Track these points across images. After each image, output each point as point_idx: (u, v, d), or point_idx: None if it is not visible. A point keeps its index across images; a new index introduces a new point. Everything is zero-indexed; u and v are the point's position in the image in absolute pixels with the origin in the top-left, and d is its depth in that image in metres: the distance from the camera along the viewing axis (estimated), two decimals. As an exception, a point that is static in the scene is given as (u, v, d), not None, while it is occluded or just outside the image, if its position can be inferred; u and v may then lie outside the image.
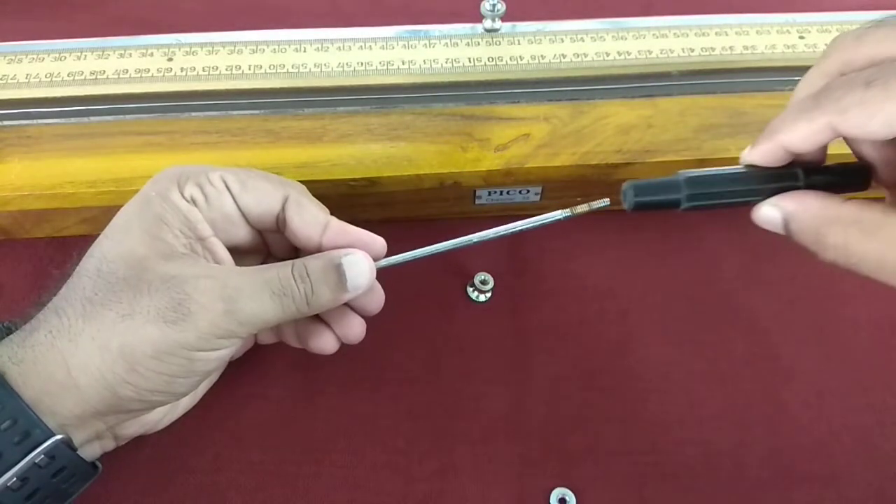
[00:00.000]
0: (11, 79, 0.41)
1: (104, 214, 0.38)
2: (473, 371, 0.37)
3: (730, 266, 0.41)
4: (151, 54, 0.42)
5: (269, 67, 0.42)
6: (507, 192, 0.40)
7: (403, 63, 0.42)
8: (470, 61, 0.43)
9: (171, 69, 0.41)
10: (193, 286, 0.27)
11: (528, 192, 0.40)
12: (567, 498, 0.33)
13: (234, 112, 0.40)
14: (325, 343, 0.33)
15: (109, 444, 0.31)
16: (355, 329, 0.33)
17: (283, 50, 0.42)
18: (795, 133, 0.26)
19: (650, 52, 0.43)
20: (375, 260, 0.31)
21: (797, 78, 0.29)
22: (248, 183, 0.31)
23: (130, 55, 0.42)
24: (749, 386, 0.37)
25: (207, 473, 0.34)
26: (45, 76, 0.41)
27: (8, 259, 0.40)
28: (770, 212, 0.27)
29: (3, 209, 0.37)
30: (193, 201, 0.30)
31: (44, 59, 0.41)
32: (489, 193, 0.40)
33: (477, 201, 0.41)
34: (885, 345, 0.38)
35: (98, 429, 0.29)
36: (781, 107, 0.28)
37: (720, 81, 0.42)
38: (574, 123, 0.40)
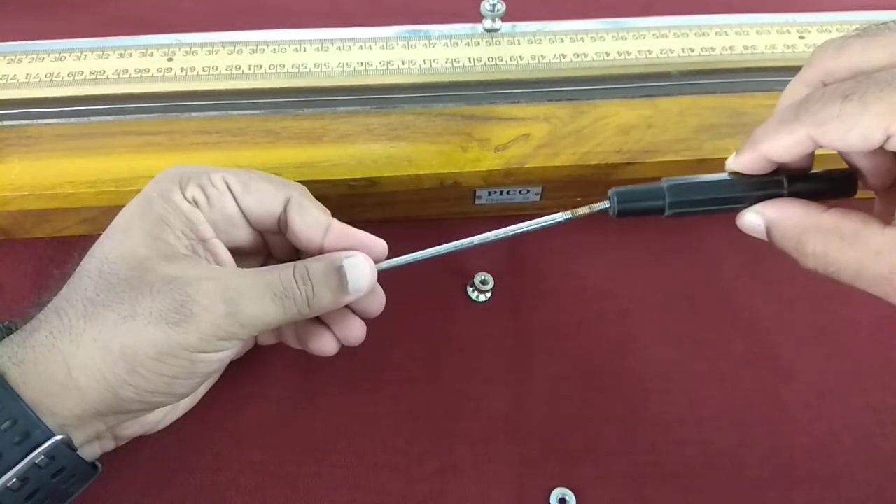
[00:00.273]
0: (11, 79, 0.41)
1: (104, 214, 0.38)
2: (473, 371, 0.37)
3: (730, 266, 0.41)
4: (151, 54, 0.42)
5: (269, 67, 0.42)
6: (507, 192, 0.40)
7: (403, 63, 0.42)
8: (470, 61, 0.43)
9: (171, 69, 0.41)
10: (195, 288, 0.27)
11: (528, 192, 0.40)
12: (567, 498, 0.33)
13: (234, 112, 0.40)
14: (325, 345, 0.33)
15: (109, 445, 0.31)
16: (355, 331, 0.33)
17: (283, 50, 0.42)
18: (776, 144, 0.27)
19: (650, 52, 0.43)
20: (376, 262, 0.31)
21: (797, 78, 0.29)
22: (250, 184, 0.31)
23: (130, 55, 0.42)
24: (749, 386, 0.37)
25: (207, 473, 0.34)
26: (45, 76, 0.41)
27: (8, 259, 0.40)
28: (753, 219, 0.28)
29: (3, 209, 0.37)
30: (195, 202, 0.30)
31: (44, 59, 0.41)
32: (489, 193, 0.40)
33: (477, 201, 0.41)
34: (885, 345, 0.38)
35: (98, 429, 0.29)
36: (781, 107, 0.28)
37: (720, 81, 0.42)
38: (574, 123, 0.40)
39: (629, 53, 0.43)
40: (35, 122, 0.39)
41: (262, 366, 0.36)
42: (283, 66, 0.42)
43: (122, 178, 0.37)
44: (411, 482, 0.34)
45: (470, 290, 0.40)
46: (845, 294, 0.40)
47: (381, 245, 0.31)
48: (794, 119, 0.26)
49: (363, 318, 0.33)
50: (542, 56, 0.43)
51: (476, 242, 0.31)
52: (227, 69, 0.42)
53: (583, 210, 0.30)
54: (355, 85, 0.41)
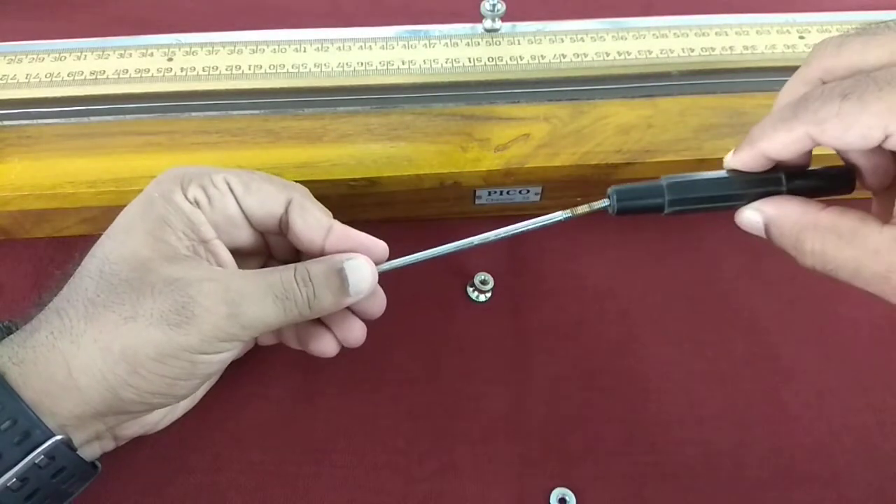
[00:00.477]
0: (11, 79, 0.41)
1: (104, 214, 0.38)
2: (473, 371, 0.37)
3: (730, 266, 0.41)
4: (151, 54, 0.42)
5: (269, 67, 0.42)
6: (507, 192, 0.40)
7: (403, 63, 0.42)
8: (470, 61, 0.43)
9: (171, 69, 0.41)
10: (197, 289, 0.27)
11: (528, 192, 0.40)
12: (567, 498, 0.33)
13: (234, 112, 0.40)
14: (325, 346, 0.33)
15: (109, 445, 0.31)
16: (356, 332, 0.33)
17: (283, 50, 0.42)
18: (775, 142, 0.27)
19: (650, 52, 0.43)
20: (377, 264, 0.31)
21: (797, 78, 0.29)
22: (252, 185, 0.31)
23: (130, 55, 0.42)
24: (749, 386, 0.37)
25: (207, 473, 0.34)
26: (45, 76, 0.41)
27: (8, 259, 0.40)
28: (752, 216, 0.28)
29: (3, 209, 0.37)
30: (197, 203, 0.30)
31: (44, 59, 0.41)
32: (489, 193, 0.40)
33: (477, 201, 0.41)
34: (885, 345, 0.38)
35: (98, 429, 0.29)
36: (781, 107, 0.28)
37: (720, 81, 0.42)
38: (574, 123, 0.40)
39: (629, 53, 0.43)
40: (35, 122, 0.39)
41: (262, 366, 0.36)
42: (283, 66, 0.42)
43: (122, 178, 0.37)
44: (411, 482, 0.34)
45: (470, 290, 0.40)
46: (845, 294, 0.40)
47: (381, 247, 0.31)
48: (793, 117, 0.26)
49: (364, 320, 0.33)
50: (542, 56, 0.43)
51: (476, 242, 0.31)
52: (227, 69, 0.42)
53: (582, 209, 0.30)
54: (355, 85, 0.41)
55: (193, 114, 0.40)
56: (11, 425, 0.26)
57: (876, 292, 0.25)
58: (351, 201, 0.38)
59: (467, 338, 0.38)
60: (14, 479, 0.26)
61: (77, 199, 0.37)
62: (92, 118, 0.40)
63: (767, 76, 0.42)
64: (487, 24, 0.44)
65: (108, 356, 0.27)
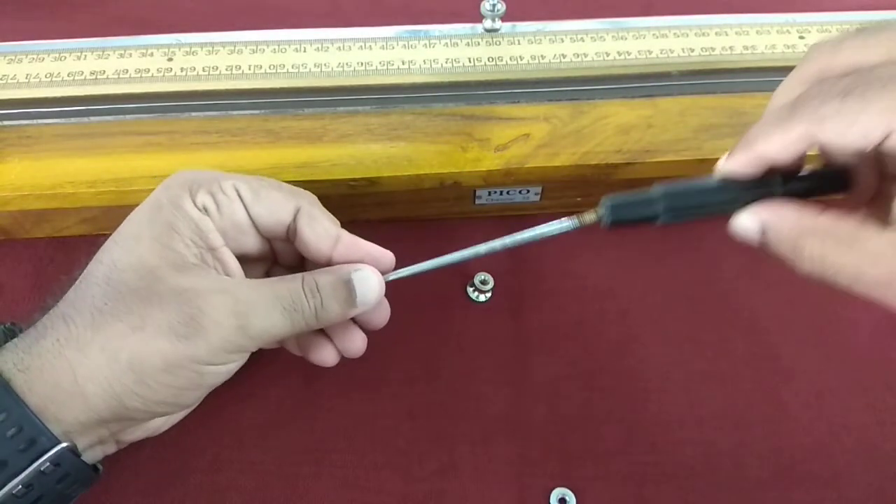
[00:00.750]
0: (11, 79, 0.41)
1: (104, 214, 0.38)
2: (473, 371, 0.37)
3: (730, 266, 0.41)
4: (151, 54, 0.42)
5: (269, 67, 0.42)
6: (507, 192, 0.40)
7: (403, 63, 0.42)
8: (470, 61, 0.43)
9: (171, 69, 0.41)
10: (206, 301, 0.27)
11: (528, 192, 0.40)
12: (567, 498, 0.33)
13: (234, 112, 0.40)
14: (325, 356, 0.32)
15: (111, 448, 0.30)
16: (356, 343, 0.32)
17: (283, 50, 0.42)
18: (772, 143, 0.26)
19: (650, 52, 0.43)
20: (384, 274, 0.31)
21: (797, 78, 0.29)
22: (261, 192, 0.31)
23: (130, 55, 0.42)
24: (749, 386, 0.37)
25: (207, 473, 0.34)
26: (45, 76, 0.41)
27: (8, 259, 0.40)
28: (747, 222, 0.27)
29: (3, 209, 0.37)
30: (205, 210, 0.30)
31: (44, 59, 0.41)
32: (489, 193, 0.40)
33: (477, 201, 0.41)
34: (885, 345, 0.38)
35: (101, 435, 0.29)
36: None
37: (720, 81, 0.42)
38: (574, 123, 0.40)
39: (629, 53, 0.43)
40: (35, 122, 0.39)
41: (262, 366, 0.36)
42: (283, 66, 0.42)
43: (122, 178, 0.37)
44: (411, 482, 0.34)
45: (470, 290, 0.40)
46: (845, 294, 0.40)
47: (389, 257, 0.31)
48: (792, 116, 0.25)
49: (366, 330, 0.33)
50: (542, 56, 0.43)
51: (483, 251, 0.31)
52: (227, 69, 0.42)
53: (590, 216, 0.30)
54: (355, 85, 0.41)
55: (193, 114, 0.40)
56: (17, 432, 0.26)
57: (877, 298, 0.25)
58: (351, 201, 0.38)
59: (467, 338, 0.38)
60: (19, 487, 0.26)
61: (77, 199, 0.37)
62: (92, 118, 0.40)
63: (767, 76, 0.42)
64: (487, 24, 0.44)
65: (115, 365, 0.27)
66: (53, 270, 0.39)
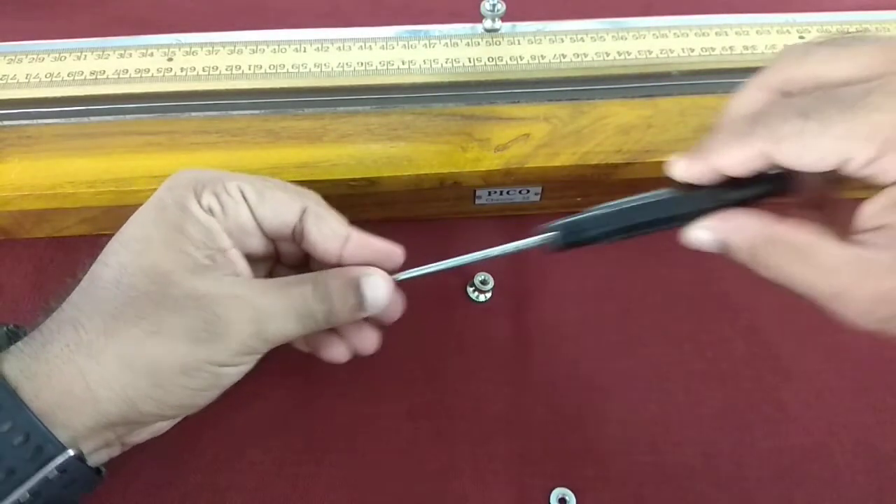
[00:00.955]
0: (11, 79, 0.41)
1: (104, 214, 0.38)
2: (473, 371, 0.37)
3: (730, 266, 0.41)
4: (151, 54, 0.42)
5: (269, 67, 0.42)
6: (507, 192, 0.40)
7: (403, 63, 0.42)
8: (470, 61, 0.43)
9: (171, 69, 0.41)
10: (223, 307, 0.27)
11: (528, 192, 0.40)
12: (567, 498, 0.33)
13: (234, 112, 0.40)
14: (336, 354, 0.32)
15: (116, 451, 0.30)
16: (369, 341, 0.32)
17: (283, 50, 0.42)
18: (728, 158, 0.26)
19: (650, 52, 0.43)
20: (395, 269, 0.31)
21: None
22: (265, 194, 0.30)
23: (130, 55, 0.42)
24: (749, 386, 0.37)
25: (207, 473, 0.34)
26: (45, 76, 0.41)
27: (8, 259, 0.40)
28: (701, 235, 0.27)
29: (3, 209, 0.37)
30: (210, 211, 0.29)
31: (44, 59, 0.41)
32: (489, 193, 0.40)
33: (477, 201, 0.41)
34: (885, 345, 0.38)
35: (108, 438, 0.29)
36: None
37: (720, 81, 0.42)
38: (574, 123, 0.40)
39: (629, 53, 0.43)
40: (35, 122, 0.39)
41: (262, 366, 0.36)
42: (283, 66, 0.42)
43: (122, 178, 0.37)
44: (411, 482, 0.34)
45: (470, 290, 0.40)
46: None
47: (398, 253, 0.31)
48: (750, 133, 0.25)
49: (378, 325, 0.33)
50: (542, 56, 0.43)
51: (495, 254, 0.30)
52: (227, 69, 0.42)
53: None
54: (355, 85, 0.41)
55: (193, 114, 0.40)
56: (24, 441, 0.26)
57: (830, 309, 0.25)
58: (351, 201, 0.38)
59: (467, 338, 0.38)
60: (26, 494, 0.26)
61: (77, 199, 0.37)
62: (92, 118, 0.40)
63: (767, 76, 0.42)
64: (487, 24, 0.44)
65: (131, 371, 0.27)
66: (53, 270, 0.39)
